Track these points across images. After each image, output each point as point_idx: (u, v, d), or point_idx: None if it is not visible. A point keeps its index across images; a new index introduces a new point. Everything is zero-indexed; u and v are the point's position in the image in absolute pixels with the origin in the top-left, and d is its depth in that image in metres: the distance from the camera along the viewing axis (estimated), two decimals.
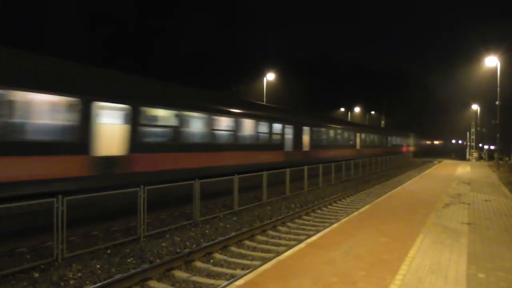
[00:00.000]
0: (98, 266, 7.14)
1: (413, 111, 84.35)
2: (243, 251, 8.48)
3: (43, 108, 8.40)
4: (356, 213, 10.48)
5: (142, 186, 8.90)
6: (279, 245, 9.08)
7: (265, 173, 14.13)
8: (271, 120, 17.96)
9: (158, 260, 7.48)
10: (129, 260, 7.56)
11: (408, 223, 9.05)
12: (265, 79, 37.26)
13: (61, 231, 7.25)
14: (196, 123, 13.32)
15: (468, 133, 57.80)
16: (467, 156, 52.55)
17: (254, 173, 14.13)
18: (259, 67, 40.89)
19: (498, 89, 28.60)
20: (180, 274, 7.00)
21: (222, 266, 7.51)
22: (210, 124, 13.81)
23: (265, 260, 6.95)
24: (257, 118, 16.80)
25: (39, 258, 7.25)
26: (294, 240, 9.41)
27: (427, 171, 27.36)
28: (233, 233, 9.51)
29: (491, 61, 29.29)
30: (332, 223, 9.72)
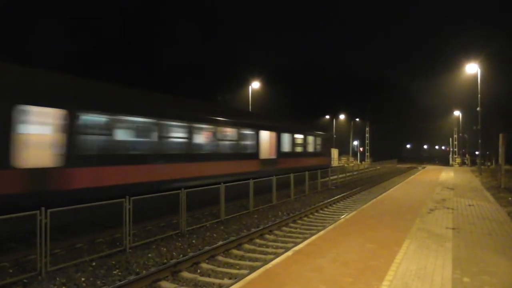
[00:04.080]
0: (83, 279, 7.00)
1: (397, 117, 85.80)
2: (230, 260, 8.43)
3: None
4: (342, 219, 10.54)
5: (127, 196, 8.79)
6: (267, 253, 9.05)
7: (251, 181, 14.12)
8: None
9: (144, 272, 7.36)
10: (114, 272, 7.43)
11: (394, 229, 9.14)
12: (250, 87, 37.46)
13: (45, 244, 7.09)
14: None
15: (451, 139, 58.97)
16: (451, 162, 53.55)
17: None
18: (244, 75, 41.12)
19: (479, 95, 29.36)
20: (167, 285, 6.91)
21: (209, 276, 7.44)
22: None
23: (252, 269, 6.92)
24: None
25: (22, 272, 7.07)
26: (281, 248, 9.40)
27: (411, 177, 27.76)
28: (220, 242, 9.44)
29: (472, 68, 30.09)
30: (319, 230, 9.75)
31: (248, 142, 17.17)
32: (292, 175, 17.21)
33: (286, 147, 20.44)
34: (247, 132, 17.12)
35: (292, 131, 21.43)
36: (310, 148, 24.10)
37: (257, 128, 17.77)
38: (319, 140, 25.56)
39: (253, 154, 17.39)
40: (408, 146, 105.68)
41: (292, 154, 21.19)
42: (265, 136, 18.55)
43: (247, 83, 38.57)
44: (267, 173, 16.97)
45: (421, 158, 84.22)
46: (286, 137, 20.47)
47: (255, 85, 37.75)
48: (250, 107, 36.29)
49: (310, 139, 24.09)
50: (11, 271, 7.24)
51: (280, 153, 19.49)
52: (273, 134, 19.13)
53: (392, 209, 12.15)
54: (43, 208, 7.15)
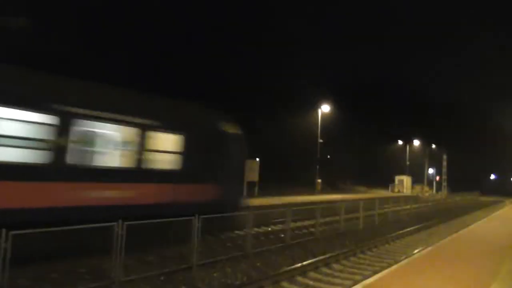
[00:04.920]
0: None
1: (479, 144, 78.94)
2: None
3: None
4: (417, 254, 9.78)
5: (196, 215, 9.02)
6: (333, 284, 8.64)
7: (317, 207, 13.76)
8: None
9: None
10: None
11: (478, 270, 8.22)
12: (319, 110, 37.31)
13: (119, 255, 7.50)
14: None
15: None
16: None
17: None
18: (312, 98, 40.83)
19: None
20: None
21: None
22: None
23: None
24: None
25: (97, 280, 7.52)
26: (348, 279, 8.91)
27: (497, 212, 25.11)
28: (285, 268, 9.24)
29: None
30: (390, 264, 9.13)
31: None
32: None
33: None
34: None
35: None
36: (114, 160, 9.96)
37: None
38: (179, 141, 11.02)
39: None
40: (492, 177, 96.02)
41: None
42: None
43: (313, 106, 38.59)
44: None
45: (508, 191, 75.95)
46: None
47: (325, 108, 37.56)
48: (319, 132, 36.02)
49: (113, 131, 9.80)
50: (88, 277, 7.74)
51: None
52: None
53: (475, 247, 10.99)
54: (120, 221, 7.60)
